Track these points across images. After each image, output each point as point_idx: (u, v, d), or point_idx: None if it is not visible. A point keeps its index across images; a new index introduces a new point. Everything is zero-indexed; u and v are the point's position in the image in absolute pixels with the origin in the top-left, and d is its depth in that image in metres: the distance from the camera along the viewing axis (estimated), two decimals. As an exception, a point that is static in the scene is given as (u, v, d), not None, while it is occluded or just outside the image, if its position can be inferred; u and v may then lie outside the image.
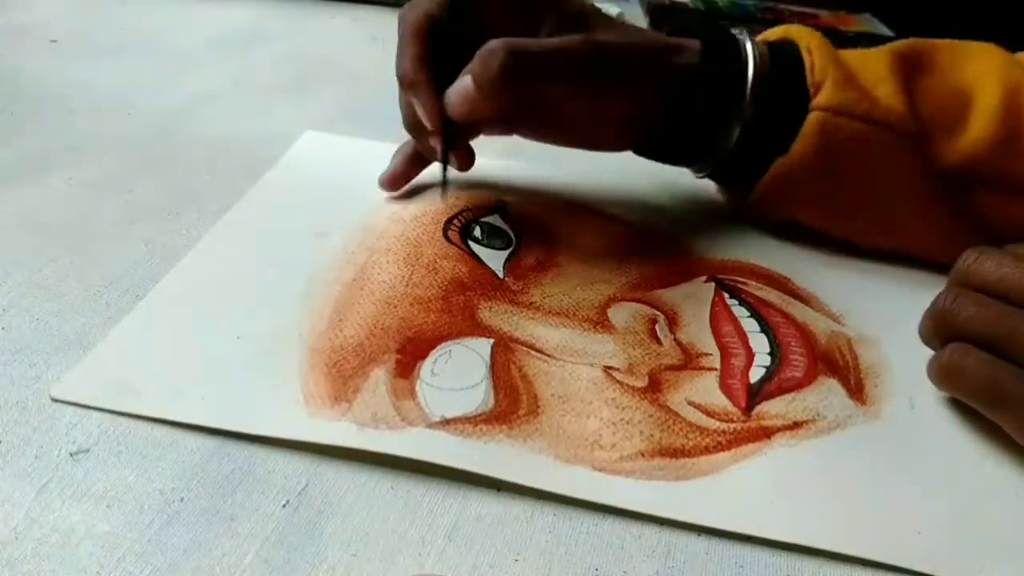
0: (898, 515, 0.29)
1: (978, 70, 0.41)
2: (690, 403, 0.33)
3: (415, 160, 0.43)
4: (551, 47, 0.37)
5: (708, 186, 0.46)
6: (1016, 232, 0.34)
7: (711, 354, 0.36)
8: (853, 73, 0.40)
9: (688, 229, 0.45)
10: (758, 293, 0.40)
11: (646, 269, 0.41)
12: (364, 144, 0.49)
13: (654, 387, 0.33)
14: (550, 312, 0.37)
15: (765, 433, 0.32)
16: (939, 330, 0.34)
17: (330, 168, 0.47)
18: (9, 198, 0.41)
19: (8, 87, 0.53)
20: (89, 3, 0.68)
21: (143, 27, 0.66)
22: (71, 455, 0.28)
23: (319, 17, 0.73)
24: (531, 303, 0.37)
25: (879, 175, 0.40)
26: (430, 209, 0.42)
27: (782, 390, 0.34)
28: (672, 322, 0.37)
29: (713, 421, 0.32)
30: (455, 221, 0.41)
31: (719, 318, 0.38)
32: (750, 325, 0.37)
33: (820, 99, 0.39)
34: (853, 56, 0.42)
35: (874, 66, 0.41)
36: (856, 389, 0.35)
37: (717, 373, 0.35)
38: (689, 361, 0.35)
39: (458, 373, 0.33)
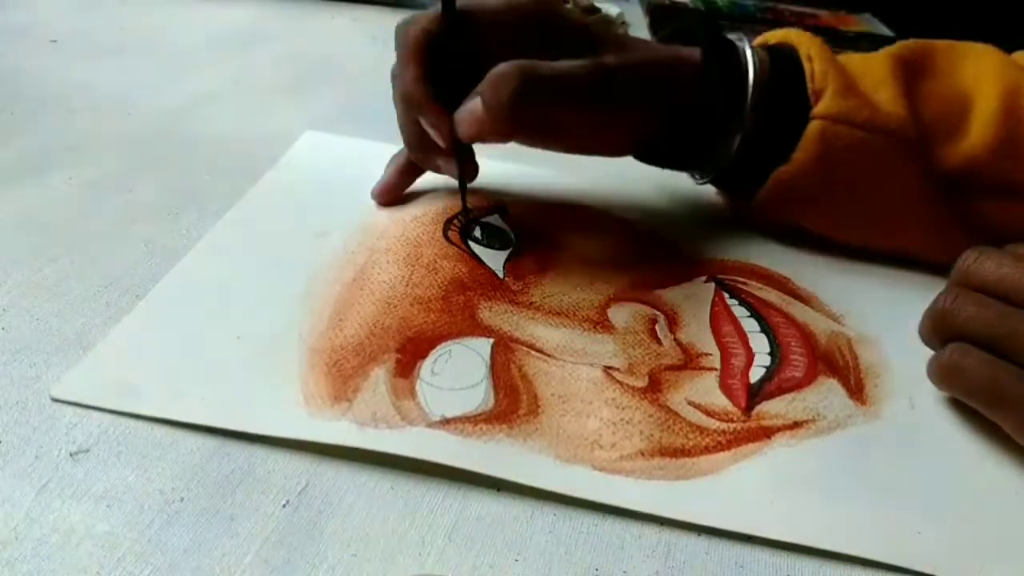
0: (898, 515, 0.29)
1: (977, 73, 0.41)
2: (690, 403, 0.33)
3: (408, 170, 0.43)
4: (562, 72, 0.37)
5: (708, 187, 0.46)
6: (1017, 236, 0.34)
7: (711, 354, 0.36)
8: (853, 80, 0.40)
9: (688, 229, 0.45)
10: (758, 293, 0.40)
11: (646, 269, 0.41)
12: (364, 144, 0.49)
13: (654, 387, 0.33)
14: (550, 312, 0.37)
15: (765, 433, 0.32)
16: (939, 330, 0.34)
17: (330, 168, 0.47)
18: (9, 198, 0.41)
19: (8, 87, 0.53)
20: (89, 3, 0.68)
21: (143, 27, 0.66)
22: (71, 455, 0.28)
23: (319, 17, 0.73)
24: (531, 303, 0.37)
25: (880, 181, 0.40)
26: (430, 209, 0.42)
27: (782, 390, 0.34)
28: (672, 322, 0.37)
29: (713, 421, 0.32)
30: (455, 221, 0.41)
31: (719, 318, 0.38)
32: (750, 325, 0.37)
33: (820, 107, 0.39)
34: (853, 61, 0.42)
35: (874, 71, 0.41)
36: (856, 389, 0.35)
37: (717, 373, 0.35)
38: (689, 361, 0.35)
39: (458, 373, 0.33)
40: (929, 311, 0.34)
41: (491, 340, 0.34)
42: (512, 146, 0.43)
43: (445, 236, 0.40)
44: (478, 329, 0.35)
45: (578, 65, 0.37)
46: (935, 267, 0.40)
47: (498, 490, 0.29)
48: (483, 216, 0.42)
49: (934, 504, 0.30)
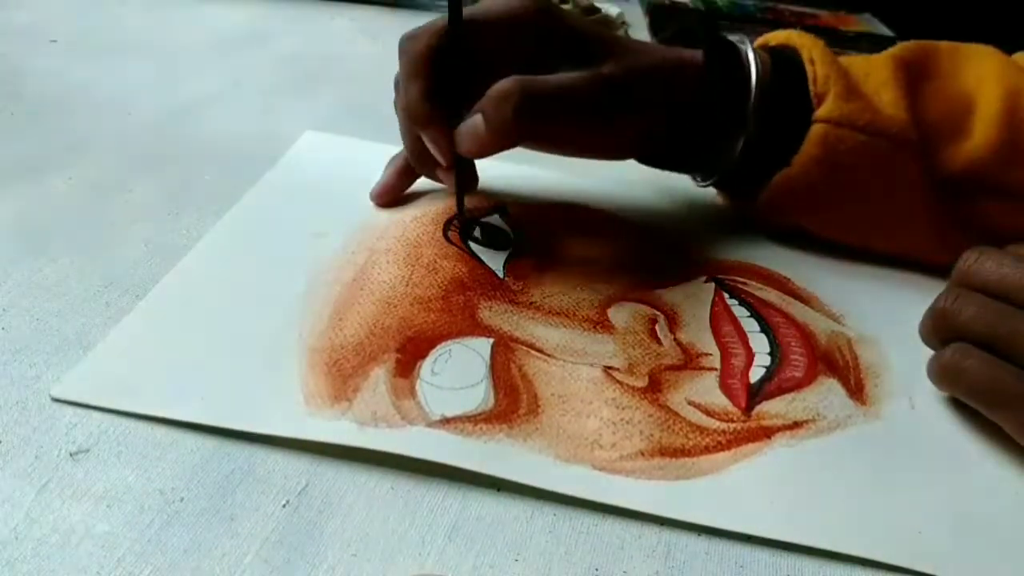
0: (898, 515, 0.29)
1: (979, 75, 0.41)
2: (690, 403, 0.33)
3: (407, 172, 0.43)
4: (562, 86, 0.37)
5: (708, 187, 0.46)
6: (1018, 237, 0.34)
7: (711, 354, 0.36)
8: (855, 82, 0.40)
9: (688, 229, 0.45)
10: (758, 293, 0.40)
11: (646, 269, 0.41)
12: (364, 144, 0.49)
13: (654, 387, 0.33)
14: (550, 312, 0.37)
15: (765, 433, 0.32)
16: (939, 330, 0.34)
17: (330, 168, 0.47)
18: (9, 198, 0.41)
19: (8, 87, 0.53)
20: (89, 3, 0.68)
21: (143, 27, 0.66)
22: (71, 455, 0.28)
23: (319, 17, 0.73)
24: (531, 303, 0.37)
25: (882, 184, 0.40)
26: (430, 209, 0.42)
27: (782, 390, 0.34)
28: (672, 322, 0.37)
29: (713, 421, 0.32)
30: (455, 221, 0.41)
31: (719, 318, 0.38)
32: (750, 325, 0.37)
33: (822, 111, 0.39)
34: (855, 63, 0.42)
35: (876, 73, 0.41)
36: (856, 389, 0.35)
37: (717, 373, 0.35)
38: (689, 361, 0.35)
39: (458, 372, 0.33)
40: (929, 311, 0.34)
41: (491, 340, 0.34)
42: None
43: (445, 236, 0.40)
44: (478, 329, 0.35)
45: (577, 77, 0.37)
46: (935, 267, 0.40)
47: (498, 490, 0.29)
48: (483, 216, 0.42)
49: (934, 504, 0.30)
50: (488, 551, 0.27)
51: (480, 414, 0.31)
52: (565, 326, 0.36)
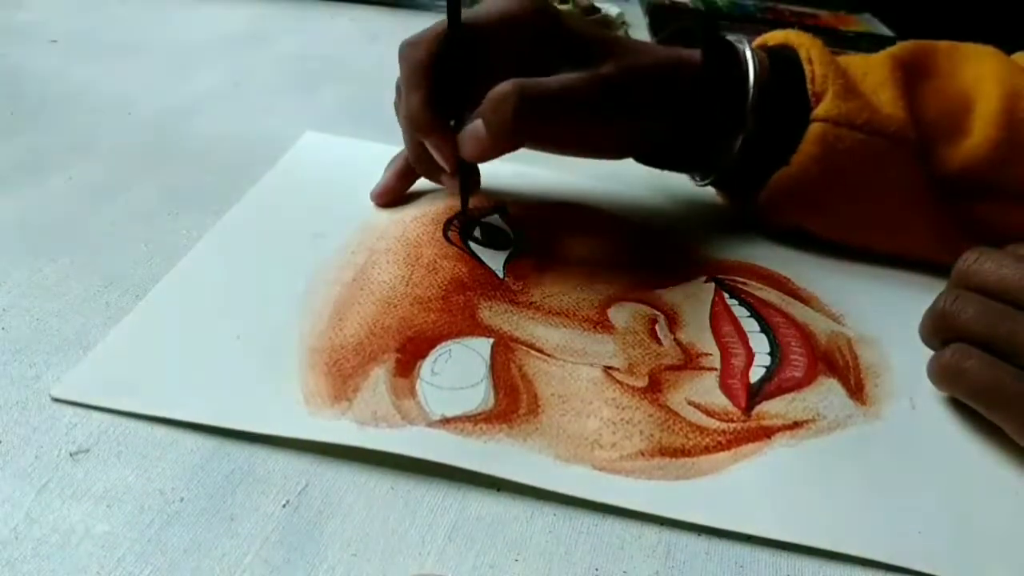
0: (898, 515, 0.29)
1: (978, 74, 0.41)
2: (690, 403, 0.33)
3: (407, 174, 0.43)
4: (561, 87, 0.37)
5: (708, 187, 0.46)
6: (1017, 237, 0.34)
7: (711, 354, 0.36)
8: (854, 82, 0.40)
9: (688, 229, 0.45)
10: (758, 293, 0.40)
11: (646, 269, 0.41)
12: (364, 145, 0.49)
13: (654, 387, 0.33)
14: (550, 312, 0.37)
15: (765, 433, 0.32)
16: (939, 331, 0.34)
17: (330, 169, 0.47)
18: (9, 198, 0.41)
19: (8, 87, 0.53)
20: (89, 3, 0.68)
21: (143, 27, 0.66)
22: (71, 455, 0.28)
23: (319, 17, 0.73)
24: (531, 303, 0.37)
25: (881, 184, 0.41)
26: (430, 209, 0.42)
27: (782, 390, 0.34)
28: (672, 322, 0.37)
29: (713, 421, 0.32)
30: (455, 221, 0.41)
31: (719, 318, 0.38)
32: (750, 325, 0.37)
33: (821, 110, 0.39)
34: (854, 62, 0.42)
35: (875, 73, 0.41)
36: (856, 389, 0.35)
37: (717, 373, 0.35)
38: (689, 361, 0.35)
39: (458, 372, 0.33)
40: (929, 312, 0.34)
41: (491, 340, 0.34)
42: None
43: (445, 236, 0.40)
44: (478, 329, 0.35)
45: (576, 78, 0.37)
46: (935, 267, 0.40)
47: (498, 490, 0.29)
48: (483, 216, 0.42)
49: (934, 504, 0.30)
50: (488, 551, 0.27)
51: (480, 414, 0.31)
52: (565, 326, 0.36)
